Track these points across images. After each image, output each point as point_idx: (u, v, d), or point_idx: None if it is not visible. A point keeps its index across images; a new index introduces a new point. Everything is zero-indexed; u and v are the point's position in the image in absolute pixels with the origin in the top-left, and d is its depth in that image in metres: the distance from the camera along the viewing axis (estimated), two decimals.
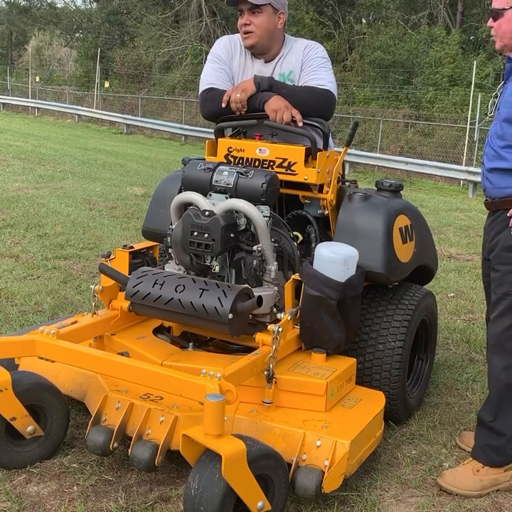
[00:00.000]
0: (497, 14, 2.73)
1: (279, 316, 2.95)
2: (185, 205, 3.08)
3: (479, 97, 16.32)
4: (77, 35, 37.59)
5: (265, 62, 3.40)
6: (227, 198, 2.99)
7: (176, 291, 2.81)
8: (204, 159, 3.38)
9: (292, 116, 3.15)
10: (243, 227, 2.98)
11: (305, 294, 2.93)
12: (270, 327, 2.76)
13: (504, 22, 2.71)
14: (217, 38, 3.70)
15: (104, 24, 32.76)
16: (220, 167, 3.08)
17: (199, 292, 2.78)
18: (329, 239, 3.29)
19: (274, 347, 2.72)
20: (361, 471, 2.83)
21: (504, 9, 2.70)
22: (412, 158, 16.46)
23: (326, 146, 3.28)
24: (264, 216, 2.97)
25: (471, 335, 4.66)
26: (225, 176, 3.03)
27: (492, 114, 2.91)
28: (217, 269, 2.95)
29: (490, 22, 2.79)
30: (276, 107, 3.15)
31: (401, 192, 3.46)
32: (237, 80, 3.41)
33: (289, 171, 3.17)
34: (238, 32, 3.40)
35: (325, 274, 2.87)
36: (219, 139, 3.35)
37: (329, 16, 27.90)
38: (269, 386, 2.73)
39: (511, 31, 2.71)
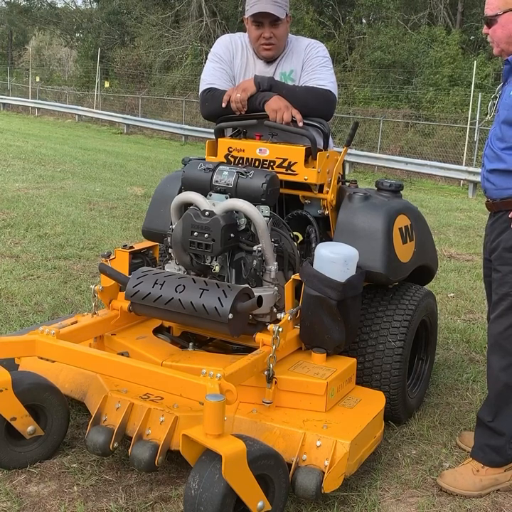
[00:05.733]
0: (491, 21, 2.75)
1: (279, 316, 2.95)
2: (186, 205, 3.08)
3: (479, 97, 16.32)
4: (77, 35, 37.59)
5: (267, 62, 3.40)
6: (227, 198, 2.99)
7: (176, 291, 2.81)
8: (204, 159, 3.38)
9: (292, 116, 3.15)
10: (243, 227, 2.98)
11: (305, 294, 2.93)
12: (270, 327, 2.76)
13: (498, 28, 2.73)
14: (217, 37, 3.70)
15: (105, 24, 32.76)
16: (220, 167, 3.08)
17: (199, 292, 2.78)
18: (329, 239, 3.29)
19: (274, 347, 2.72)
20: (361, 471, 2.83)
21: (497, 15, 2.71)
22: (412, 158, 16.46)
23: (326, 146, 3.28)
24: (264, 216, 2.97)
25: (471, 335, 4.66)
26: (225, 176, 3.03)
27: (491, 116, 2.92)
28: (217, 269, 2.95)
29: (485, 29, 2.81)
30: (277, 106, 3.15)
31: (401, 192, 3.46)
32: (238, 79, 3.40)
33: (289, 171, 3.17)
34: (238, 32, 3.40)
35: (325, 274, 2.87)
36: (219, 139, 3.35)
37: (329, 16, 27.91)
38: (269, 386, 2.73)
39: (506, 36, 2.72)
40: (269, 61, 3.39)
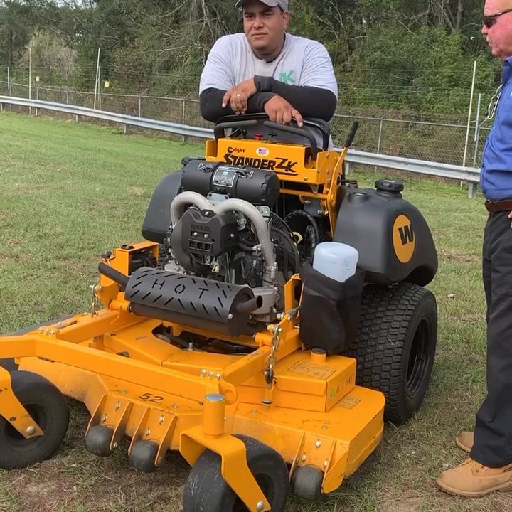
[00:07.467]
0: (490, 21, 2.75)
1: (278, 316, 2.95)
2: (185, 205, 3.08)
3: (479, 97, 16.32)
4: (77, 35, 37.56)
5: (266, 62, 3.40)
6: (227, 198, 2.99)
7: (176, 291, 2.81)
8: (204, 159, 3.38)
9: (292, 117, 3.15)
10: (243, 227, 2.98)
11: (305, 294, 2.93)
12: (270, 327, 2.76)
13: (497, 28, 2.73)
14: (217, 38, 3.71)
15: (104, 24, 32.71)
16: (220, 167, 3.08)
17: (199, 292, 2.78)
18: (329, 239, 3.29)
19: (273, 347, 2.72)
20: (361, 471, 2.83)
21: (496, 15, 2.72)
22: (412, 159, 16.47)
23: (325, 147, 3.28)
24: (264, 216, 2.97)
25: (471, 335, 4.66)
26: (225, 176, 3.03)
27: (491, 117, 2.92)
28: (217, 269, 2.95)
29: (484, 29, 2.81)
30: (276, 107, 3.15)
31: (401, 192, 3.46)
32: (238, 80, 3.41)
33: (288, 171, 3.17)
34: (238, 32, 3.40)
35: (325, 274, 2.87)
36: (219, 139, 3.35)
37: (329, 16, 27.90)
38: (268, 386, 2.73)
39: (505, 36, 2.73)
40: (269, 61, 3.40)
